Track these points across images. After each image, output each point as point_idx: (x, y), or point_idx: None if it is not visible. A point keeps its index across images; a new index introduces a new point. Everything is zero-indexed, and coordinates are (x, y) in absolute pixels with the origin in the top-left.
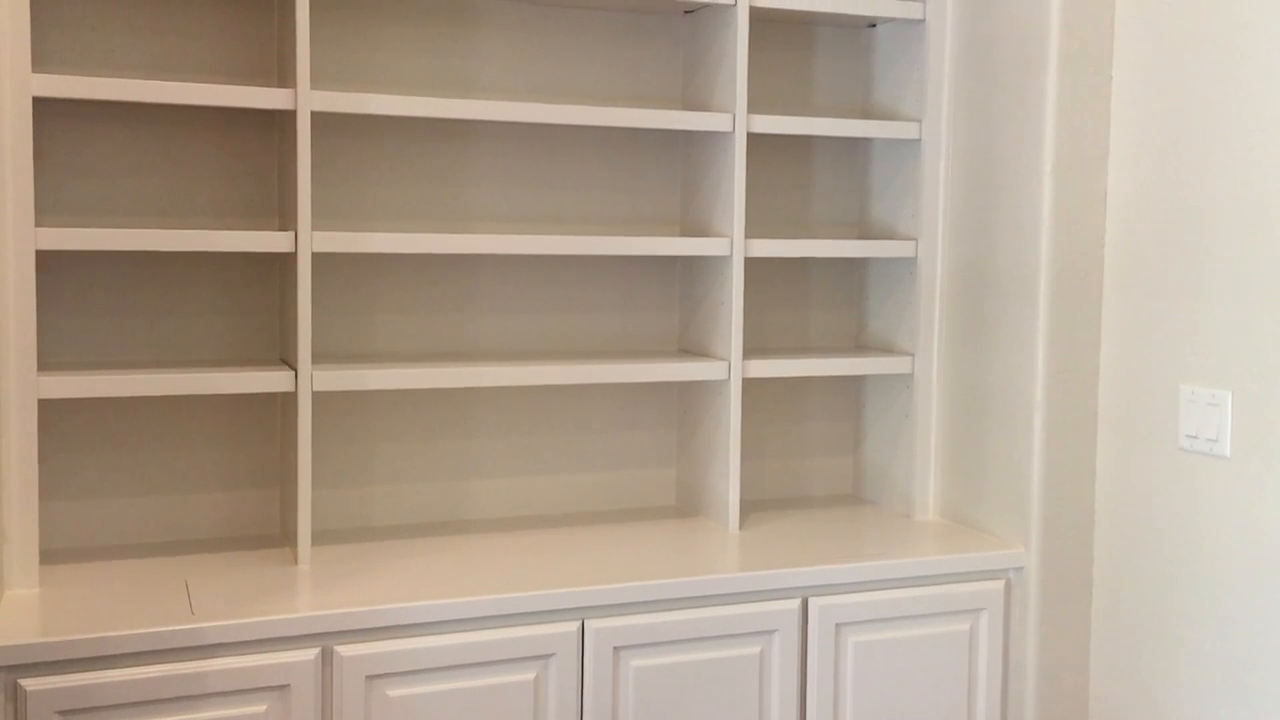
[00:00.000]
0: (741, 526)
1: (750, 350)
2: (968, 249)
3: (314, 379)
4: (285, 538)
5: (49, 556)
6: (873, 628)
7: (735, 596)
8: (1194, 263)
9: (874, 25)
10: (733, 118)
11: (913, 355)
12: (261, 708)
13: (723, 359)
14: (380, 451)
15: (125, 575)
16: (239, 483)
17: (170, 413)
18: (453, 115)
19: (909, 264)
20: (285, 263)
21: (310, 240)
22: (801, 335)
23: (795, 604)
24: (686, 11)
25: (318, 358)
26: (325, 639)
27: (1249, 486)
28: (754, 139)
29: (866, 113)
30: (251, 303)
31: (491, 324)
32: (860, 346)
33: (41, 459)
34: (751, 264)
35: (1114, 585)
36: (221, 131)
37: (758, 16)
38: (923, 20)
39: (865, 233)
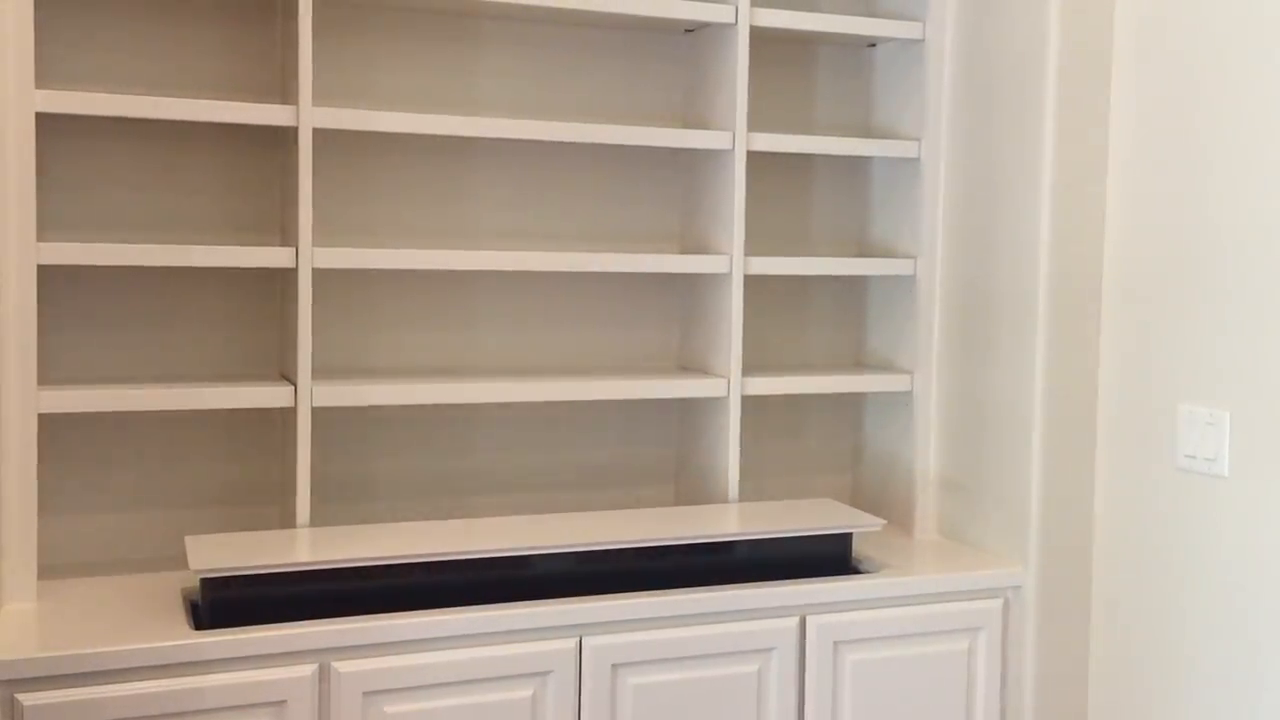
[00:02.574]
0: None
1: (750, 367)
2: (967, 267)
3: (314, 394)
4: None
5: (47, 571)
6: (871, 646)
7: (734, 614)
8: (1193, 281)
9: (874, 45)
10: (733, 136)
11: (912, 373)
12: None
13: (722, 376)
14: (380, 467)
15: (123, 590)
16: (238, 498)
17: (170, 427)
18: (454, 132)
19: (908, 282)
20: (286, 278)
21: (311, 256)
22: (801, 353)
23: (793, 622)
24: (687, 30)
25: (318, 373)
26: (323, 655)
27: (1247, 506)
28: (754, 157)
29: (866, 131)
30: (252, 318)
31: (491, 340)
32: (859, 364)
33: (41, 473)
34: (751, 281)
35: (1112, 604)
36: (224, 147)
37: (758, 36)
38: (922, 40)
39: (865, 250)
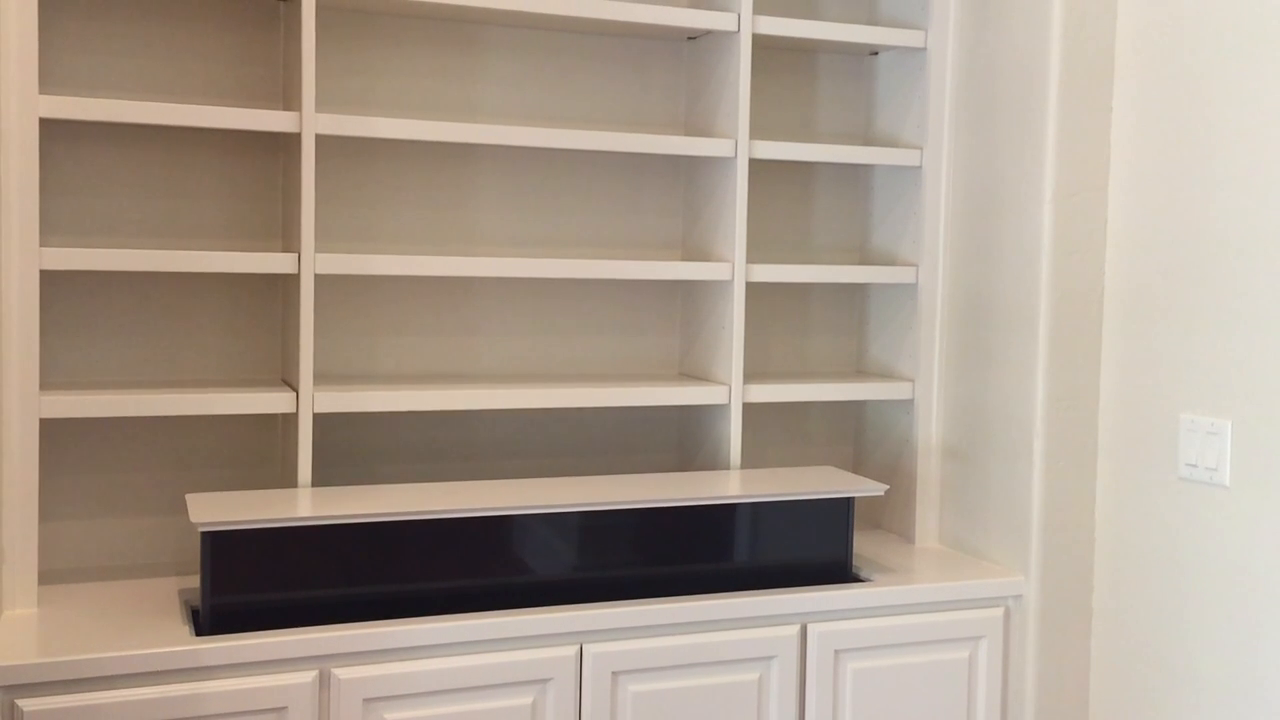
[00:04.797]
0: None
1: (751, 375)
2: (968, 276)
3: (315, 400)
4: None
5: (48, 576)
6: (871, 654)
7: (734, 622)
8: (1194, 291)
9: (876, 53)
10: (735, 143)
11: (913, 381)
12: None
13: (723, 383)
14: (381, 474)
15: (124, 596)
16: None
17: (171, 433)
18: (457, 139)
19: (910, 290)
20: (288, 284)
21: (313, 262)
22: (802, 360)
23: (794, 630)
24: (690, 38)
25: (319, 379)
26: (323, 661)
27: (1249, 515)
28: (756, 165)
29: (868, 139)
30: (254, 324)
31: (493, 346)
32: (861, 372)
33: (42, 478)
34: (753, 289)
35: (1113, 614)
36: (226, 153)
37: (760, 44)
38: (924, 49)
39: (866, 258)
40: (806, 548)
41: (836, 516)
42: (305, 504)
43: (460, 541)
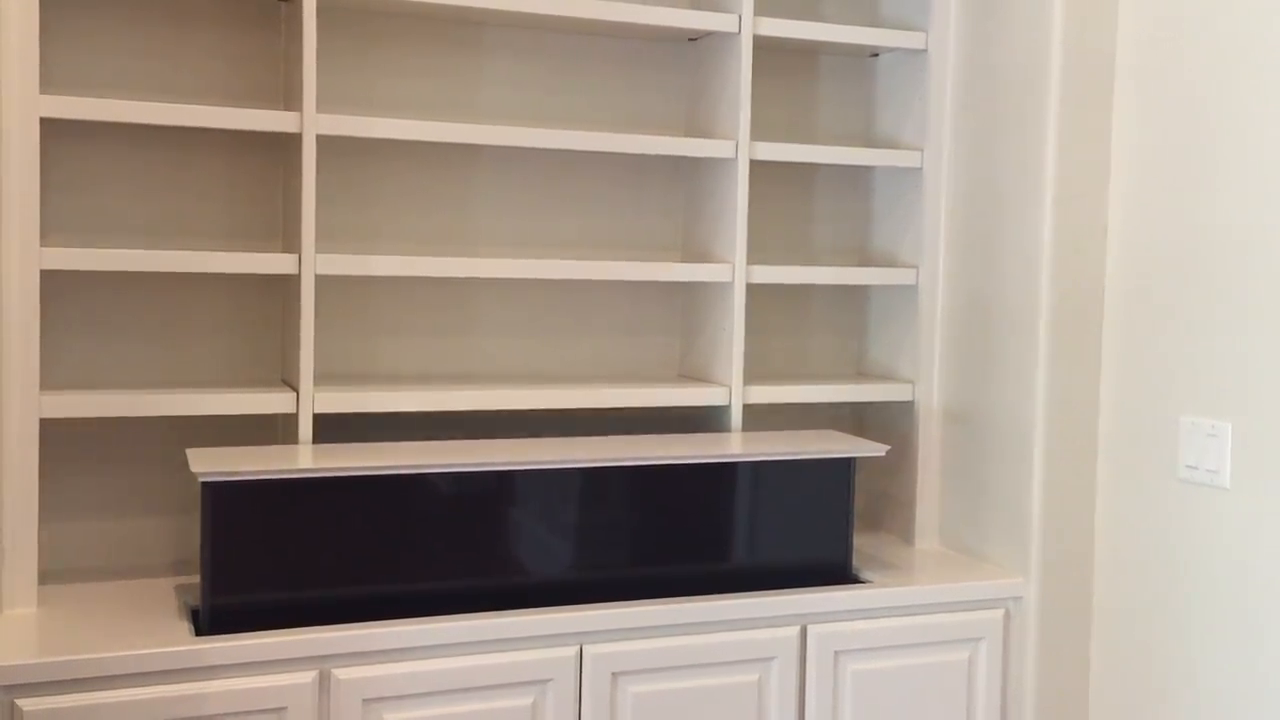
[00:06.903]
0: None
1: (751, 376)
2: (969, 277)
3: (315, 401)
4: None
5: (48, 576)
6: (871, 656)
7: (734, 623)
8: (1195, 293)
9: (876, 55)
10: (735, 145)
11: (913, 383)
12: None
13: (724, 385)
14: None
15: (124, 596)
16: None
17: (171, 433)
18: (457, 140)
19: (910, 292)
20: (289, 285)
21: (314, 263)
22: (802, 362)
23: (794, 631)
24: (691, 39)
25: (320, 379)
26: (323, 662)
27: (1249, 517)
28: (756, 166)
29: (869, 141)
30: (255, 324)
31: (493, 347)
32: (861, 373)
33: (42, 477)
34: (753, 290)
35: (1113, 615)
36: (227, 153)
37: (761, 45)
38: (925, 50)
39: (867, 260)
40: (807, 516)
41: (837, 479)
42: (307, 458)
43: (464, 495)
